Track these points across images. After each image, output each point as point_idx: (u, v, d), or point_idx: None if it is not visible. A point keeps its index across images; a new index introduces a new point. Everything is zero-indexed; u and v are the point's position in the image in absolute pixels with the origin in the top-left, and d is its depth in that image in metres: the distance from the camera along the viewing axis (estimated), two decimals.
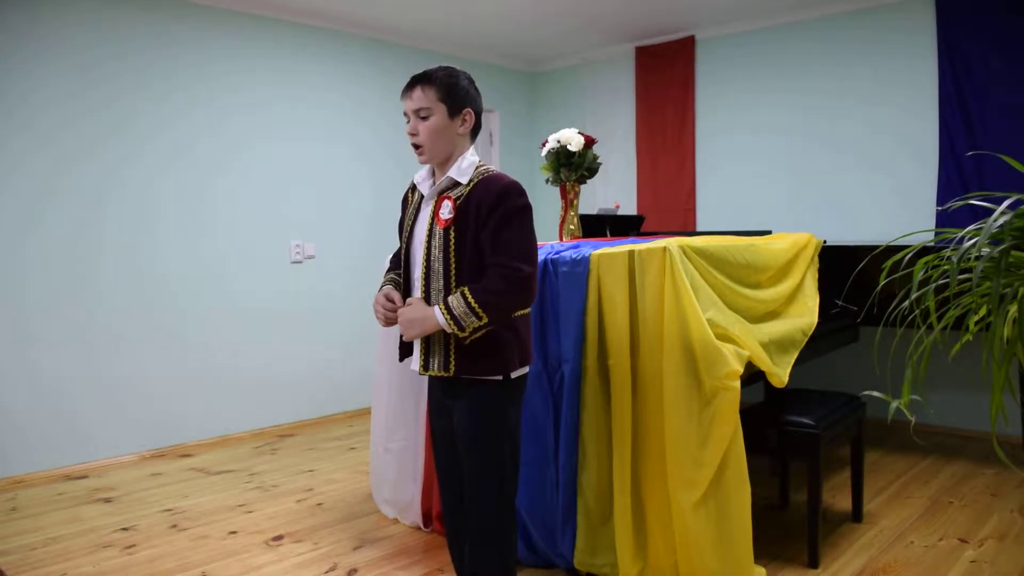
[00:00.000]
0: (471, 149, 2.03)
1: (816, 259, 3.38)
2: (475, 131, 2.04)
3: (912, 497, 3.33)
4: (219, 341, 4.47)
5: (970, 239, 1.55)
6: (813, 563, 2.63)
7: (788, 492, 3.23)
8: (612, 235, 3.88)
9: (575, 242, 2.94)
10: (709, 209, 5.30)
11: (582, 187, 3.40)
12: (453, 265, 1.91)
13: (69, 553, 2.91)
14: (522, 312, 1.97)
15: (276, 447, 4.37)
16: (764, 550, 2.71)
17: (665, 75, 5.42)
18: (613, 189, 5.69)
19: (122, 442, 4.11)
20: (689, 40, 5.31)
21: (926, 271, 1.69)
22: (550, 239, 3.53)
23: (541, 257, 2.65)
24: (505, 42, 5.59)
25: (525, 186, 1.96)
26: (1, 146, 3.72)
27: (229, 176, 4.51)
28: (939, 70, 4.27)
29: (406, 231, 2.07)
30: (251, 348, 4.61)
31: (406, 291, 2.07)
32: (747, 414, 2.63)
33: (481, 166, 1.99)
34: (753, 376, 2.60)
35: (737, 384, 2.30)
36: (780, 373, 2.60)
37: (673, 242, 2.48)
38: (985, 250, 1.52)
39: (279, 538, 3.02)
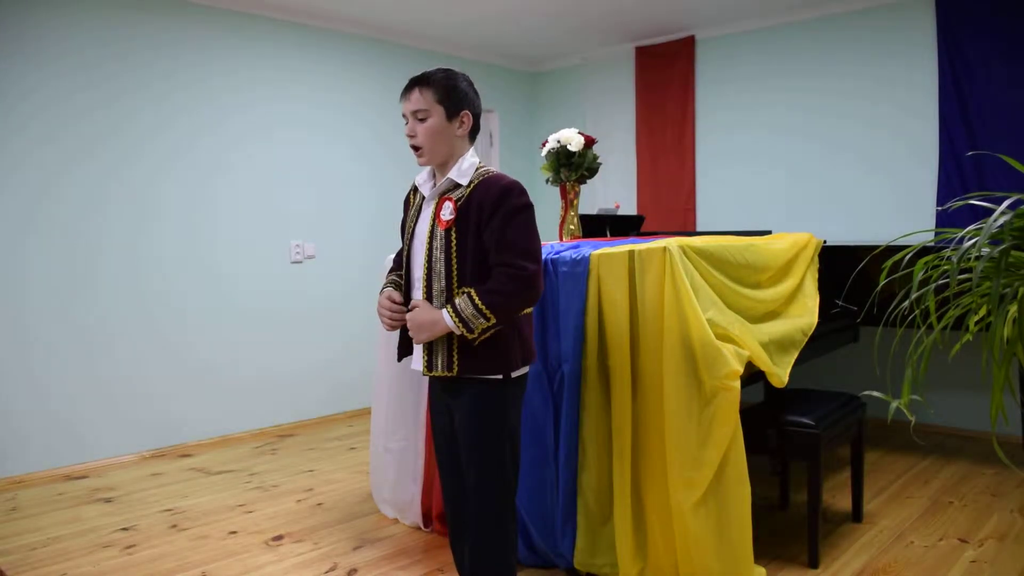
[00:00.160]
0: (471, 150, 2.04)
1: (816, 259, 3.38)
2: (474, 133, 2.05)
3: (912, 497, 3.33)
4: (219, 341, 4.47)
5: (970, 239, 1.55)
6: (813, 563, 2.63)
7: (788, 492, 3.23)
8: (612, 235, 3.88)
9: (575, 242, 2.94)
10: (709, 209, 5.30)
11: (582, 187, 3.40)
12: (455, 266, 1.92)
13: (69, 553, 2.91)
14: (526, 311, 1.98)
15: (276, 447, 4.37)
16: (764, 550, 2.71)
17: (665, 75, 5.42)
18: (613, 189, 5.69)
19: (122, 442, 4.11)
20: (689, 40, 5.31)
21: (926, 271, 1.69)
22: (550, 239, 3.53)
23: (541, 257, 2.66)
24: (505, 42, 5.59)
25: (525, 186, 1.97)
26: (1, 146, 3.72)
27: (229, 176, 4.51)
28: (939, 70, 4.27)
29: (407, 232, 2.08)
30: (251, 348, 4.61)
31: (407, 292, 2.08)
32: (747, 414, 2.63)
33: (481, 167, 2.00)
34: (753, 376, 2.60)
35: (737, 384, 2.30)
36: (780, 373, 2.60)
37: (673, 242, 2.48)
38: (985, 250, 1.52)
39: (279, 538, 3.02)
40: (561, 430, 2.57)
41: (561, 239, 3.31)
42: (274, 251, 4.73)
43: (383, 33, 5.22)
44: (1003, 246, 1.53)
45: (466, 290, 1.88)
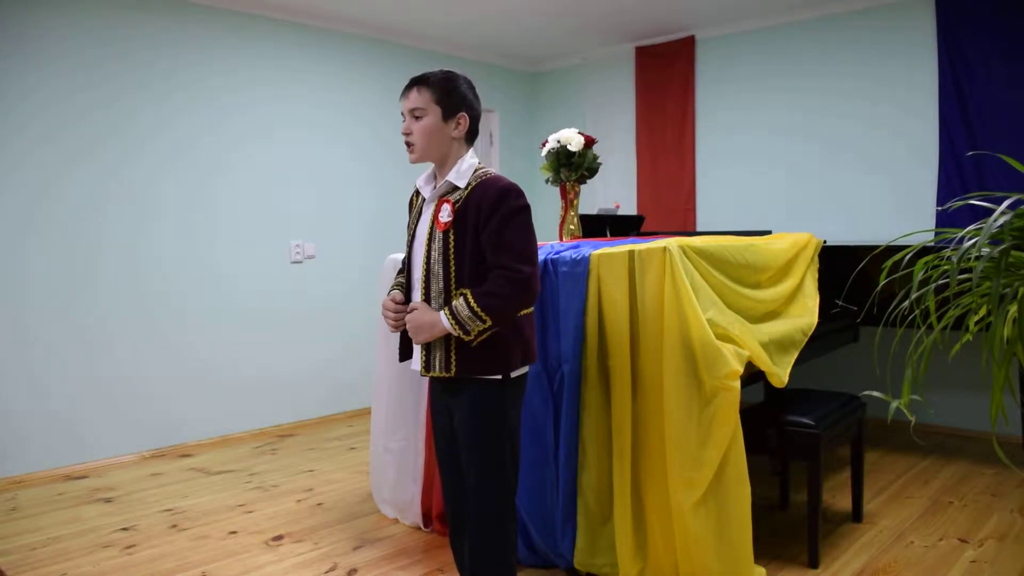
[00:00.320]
0: (470, 152, 2.05)
1: (816, 259, 3.38)
2: (472, 135, 2.06)
3: (912, 497, 3.33)
4: (219, 341, 4.47)
5: (970, 239, 1.55)
6: (813, 563, 2.63)
7: (788, 492, 3.23)
8: (612, 235, 3.88)
9: (575, 242, 2.94)
10: (709, 209, 5.30)
11: (582, 187, 3.40)
12: (453, 267, 1.94)
13: (69, 553, 2.91)
14: (526, 312, 1.99)
15: (276, 447, 4.37)
16: (764, 550, 2.71)
17: (665, 75, 5.42)
18: (613, 189, 5.69)
19: (122, 442, 4.11)
20: (689, 40, 5.31)
21: (926, 271, 1.69)
22: (550, 239, 3.53)
23: (541, 257, 2.66)
24: (505, 42, 5.59)
25: (525, 186, 1.99)
26: (1, 146, 3.72)
27: (229, 176, 4.51)
28: (939, 70, 4.27)
29: (409, 234, 2.11)
30: (251, 348, 4.61)
31: (408, 293, 2.10)
32: (747, 414, 2.63)
33: (480, 169, 2.01)
34: (753, 376, 2.60)
35: (737, 384, 2.30)
36: (780, 373, 2.60)
37: (673, 242, 2.48)
38: (985, 250, 1.52)
39: (279, 538, 3.02)
40: (561, 430, 2.57)
41: (561, 239, 3.31)
42: (274, 251, 4.73)
43: (383, 33, 5.22)
44: (1003, 246, 1.53)
45: (463, 292, 1.90)
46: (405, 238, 2.19)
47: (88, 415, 3.99)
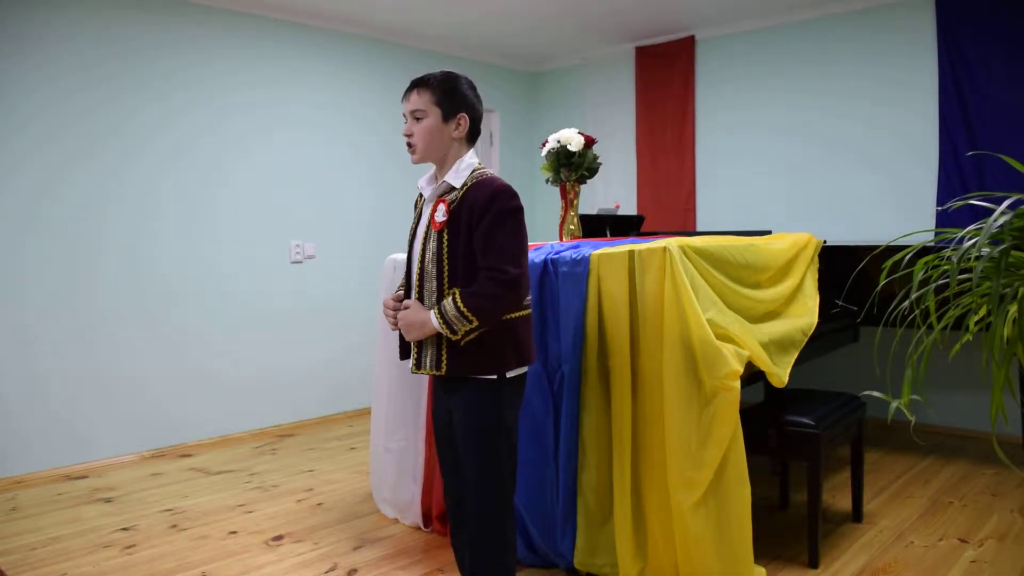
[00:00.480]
0: (470, 152, 2.07)
1: (816, 259, 3.38)
2: (472, 136, 2.07)
3: (912, 497, 3.33)
4: (219, 341, 4.47)
5: (970, 239, 1.55)
6: (813, 563, 2.63)
7: (788, 492, 3.23)
8: (612, 235, 3.88)
9: (575, 242, 2.94)
10: (709, 209, 5.30)
11: (582, 187, 3.40)
12: (446, 267, 1.95)
13: (69, 553, 2.91)
14: (520, 313, 2.00)
15: (276, 447, 4.37)
16: (764, 550, 2.71)
17: (665, 75, 5.42)
18: (613, 189, 5.68)
19: (122, 442, 4.11)
20: (689, 40, 5.31)
21: (926, 271, 1.69)
22: (550, 239, 3.53)
23: (541, 257, 2.66)
24: (505, 42, 5.59)
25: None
26: (1, 146, 3.72)
27: (229, 176, 4.51)
28: (939, 70, 4.27)
29: (410, 234, 2.13)
30: (251, 348, 4.61)
31: (408, 293, 2.12)
32: (747, 414, 2.63)
33: (477, 169, 2.03)
34: (753, 376, 2.60)
35: (737, 384, 2.30)
36: (780, 373, 2.60)
37: (673, 242, 2.48)
38: (985, 250, 1.52)
39: (279, 538, 3.02)
40: (561, 430, 2.57)
41: (561, 239, 3.31)
42: (274, 251, 4.73)
43: (383, 33, 5.22)
44: (1003, 246, 1.53)
45: (452, 292, 1.92)
46: (406, 238, 2.20)
47: (88, 415, 3.99)
